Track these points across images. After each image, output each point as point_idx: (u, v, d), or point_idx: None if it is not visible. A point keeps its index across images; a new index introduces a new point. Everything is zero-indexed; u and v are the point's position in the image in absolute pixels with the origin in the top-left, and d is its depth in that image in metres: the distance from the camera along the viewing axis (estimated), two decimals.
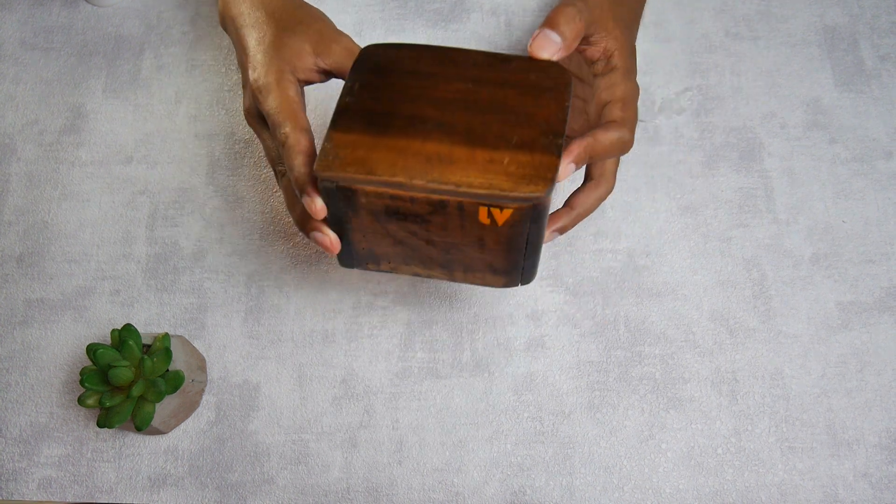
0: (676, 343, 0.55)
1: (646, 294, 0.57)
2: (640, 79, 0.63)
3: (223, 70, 0.66)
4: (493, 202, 0.38)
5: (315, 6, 0.49)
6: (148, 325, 0.58)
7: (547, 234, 0.45)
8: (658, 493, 0.52)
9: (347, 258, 0.45)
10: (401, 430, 0.55)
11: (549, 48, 0.42)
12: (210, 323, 0.58)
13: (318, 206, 0.41)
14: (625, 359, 0.55)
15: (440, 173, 0.38)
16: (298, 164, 0.42)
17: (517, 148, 0.39)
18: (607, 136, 0.44)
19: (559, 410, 0.54)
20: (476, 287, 0.58)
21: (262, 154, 0.62)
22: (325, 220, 0.43)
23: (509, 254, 0.41)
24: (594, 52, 0.46)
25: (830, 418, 0.53)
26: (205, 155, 0.63)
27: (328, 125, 0.41)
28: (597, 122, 0.47)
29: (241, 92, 0.65)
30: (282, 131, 0.43)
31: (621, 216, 0.59)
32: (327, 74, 0.47)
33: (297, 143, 0.43)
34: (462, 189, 0.38)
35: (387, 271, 0.45)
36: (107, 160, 0.63)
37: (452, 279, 0.45)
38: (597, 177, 0.46)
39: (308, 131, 0.44)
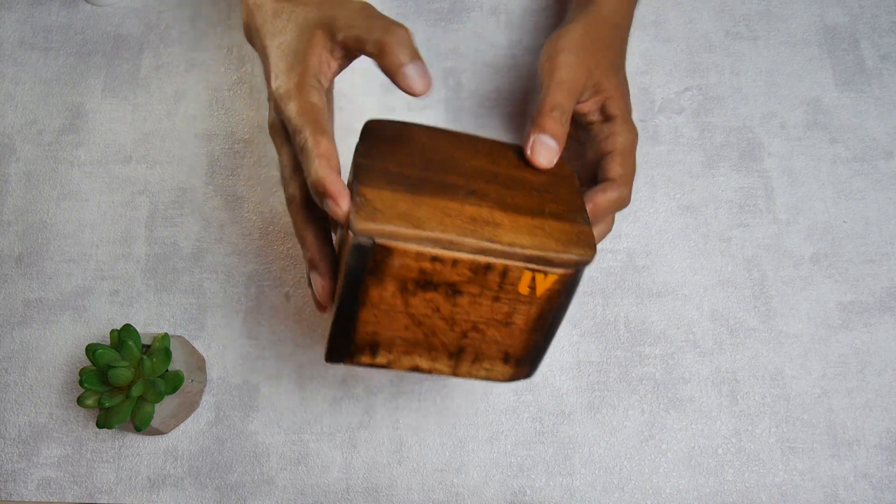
0: (676, 343, 0.55)
1: (646, 294, 0.57)
2: (640, 79, 0.63)
3: (223, 70, 0.66)
4: (543, 266, 0.37)
5: None
6: (147, 325, 0.58)
7: None
8: (658, 494, 0.52)
9: (339, 348, 0.39)
10: (401, 430, 0.55)
11: (548, 155, 0.42)
12: (210, 323, 0.58)
13: (344, 210, 0.36)
14: (625, 359, 0.55)
15: (491, 233, 0.36)
16: (317, 166, 0.38)
17: (554, 218, 0.38)
18: (606, 198, 0.44)
19: (559, 410, 0.54)
20: None
21: (263, 154, 0.62)
22: (333, 276, 0.41)
23: (533, 334, 0.39)
24: (584, 106, 0.45)
25: (831, 418, 0.53)
26: (204, 155, 0.63)
27: (348, 180, 0.39)
28: (594, 168, 0.47)
29: (240, 92, 0.65)
30: (301, 136, 0.40)
31: (621, 216, 0.59)
32: (347, 51, 0.43)
33: (316, 144, 0.39)
34: (514, 250, 0.36)
35: (380, 366, 0.40)
36: (106, 160, 0.63)
37: (454, 373, 0.40)
38: (609, 179, 0.46)
39: (330, 135, 0.40)
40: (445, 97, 0.63)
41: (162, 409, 0.52)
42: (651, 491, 0.52)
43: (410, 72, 0.39)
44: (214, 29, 0.67)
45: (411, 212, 0.36)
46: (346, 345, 0.39)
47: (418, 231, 0.35)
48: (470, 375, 0.41)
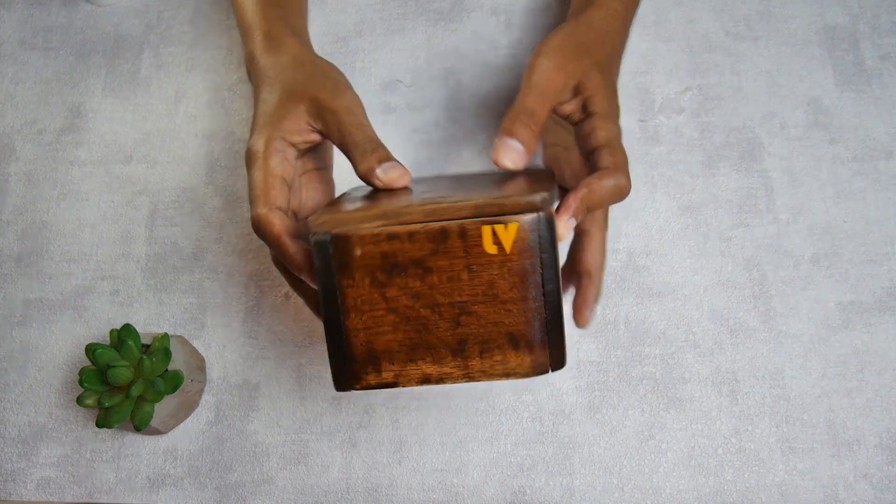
0: (676, 343, 0.55)
1: (646, 294, 0.57)
2: (640, 79, 0.63)
3: (223, 69, 0.66)
4: (499, 215, 0.35)
5: (331, 62, 0.49)
6: (147, 324, 0.58)
7: (561, 225, 0.41)
8: (658, 494, 0.52)
9: (342, 371, 0.38)
10: (400, 430, 0.55)
11: (513, 157, 0.42)
12: (209, 323, 0.58)
13: (307, 276, 0.42)
14: (625, 359, 0.55)
15: (439, 198, 0.37)
16: (280, 243, 0.42)
17: (512, 192, 0.38)
18: (602, 185, 0.43)
19: (559, 410, 0.54)
20: None
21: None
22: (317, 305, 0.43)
23: (526, 303, 0.37)
24: (567, 107, 0.45)
25: (831, 418, 0.53)
26: (204, 154, 0.63)
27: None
28: (584, 173, 0.46)
29: (241, 92, 0.65)
30: (253, 211, 0.43)
31: (621, 216, 0.59)
32: (323, 136, 0.46)
33: (267, 223, 0.42)
34: (462, 204, 0.36)
35: (389, 382, 0.38)
36: (106, 160, 0.63)
37: (468, 372, 0.38)
38: (602, 167, 0.44)
39: (281, 211, 0.43)
40: (445, 97, 0.63)
41: (162, 409, 0.52)
42: (651, 491, 0.52)
43: (380, 173, 0.42)
44: (214, 29, 0.67)
45: (364, 214, 0.37)
46: (347, 365, 0.38)
47: (368, 213, 0.36)
48: (487, 375, 0.38)
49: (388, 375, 0.38)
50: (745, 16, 0.64)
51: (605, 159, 0.43)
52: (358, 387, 0.38)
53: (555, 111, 0.45)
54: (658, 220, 0.59)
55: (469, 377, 0.38)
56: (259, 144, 0.44)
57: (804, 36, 0.63)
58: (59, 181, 0.63)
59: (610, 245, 0.58)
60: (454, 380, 0.38)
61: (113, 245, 0.61)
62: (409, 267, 0.36)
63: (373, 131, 0.44)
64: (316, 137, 0.45)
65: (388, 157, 0.42)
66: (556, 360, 0.38)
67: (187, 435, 0.55)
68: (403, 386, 0.38)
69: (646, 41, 0.64)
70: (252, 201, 0.43)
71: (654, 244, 0.58)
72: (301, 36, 0.52)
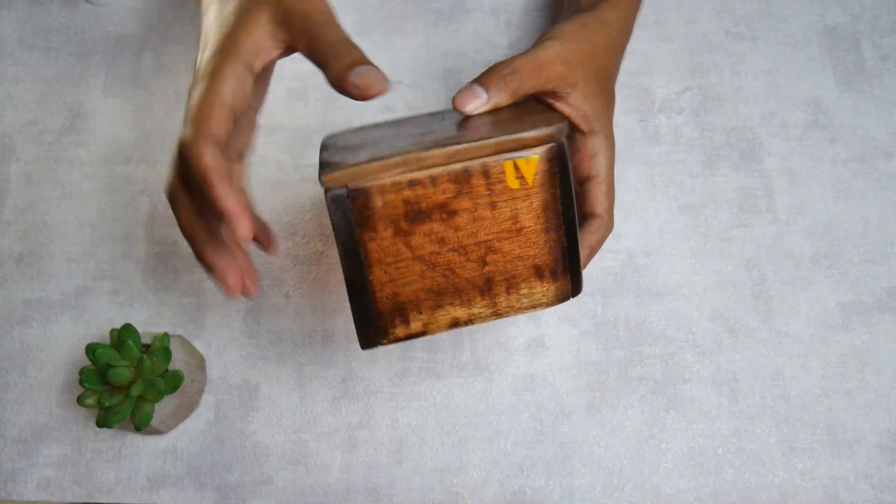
0: (676, 343, 0.55)
1: (646, 294, 0.57)
2: (640, 79, 0.63)
3: None
4: (520, 150, 0.36)
5: None
6: (147, 324, 0.58)
7: None
8: (658, 494, 0.52)
9: (368, 328, 0.38)
10: (400, 430, 0.55)
11: (475, 103, 0.40)
12: (209, 323, 0.58)
13: (242, 233, 0.35)
14: (625, 359, 0.55)
15: (456, 140, 0.36)
16: (206, 180, 0.35)
17: (523, 124, 0.37)
18: (598, 238, 0.44)
19: (559, 410, 0.54)
20: None
21: (263, 154, 0.62)
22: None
23: (550, 233, 0.37)
24: (571, 114, 0.44)
25: (831, 419, 0.53)
26: None
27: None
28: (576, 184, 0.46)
29: None
30: (182, 135, 0.37)
31: (621, 216, 0.59)
32: (291, 49, 0.40)
33: (196, 154, 0.36)
34: (483, 143, 0.35)
35: (418, 334, 0.38)
36: (106, 160, 0.63)
37: (496, 309, 0.38)
38: (590, 213, 0.45)
39: (215, 144, 0.36)
40: (445, 97, 0.63)
41: (162, 409, 0.52)
42: (651, 491, 0.52)
43: (353, 77, 0.36)
44: None
45: (374, 156, 0.36)
46: (373, 321, 0.37)
47: (385, 162, 0.35)
48: (514, 310, 0.38)
49: (416, 326, 0.38)
50: (745, 16, 0.64)
51: (601, 203, 0.44)
52: (385, 342, 0.38)
53: (556, 110, 0.44)
54: (658, 220, 0.59)
55: (497, 314, 0.38)
56: (210, 63, 0.37)
57: (804, 36, 0.63)
58: (60, 181, 0.63)
59: (610, 245, 0.58)
60: (483, 319, 0.38)
61: (113, 245, 0.61)
62: (433, 212, 0.36)
63: (346, 33, 0.38)
64: (275, 54, 0.39)
65: (363, 60, 0.37)
66: (576, 285, 0.39)
67: (187, 435, 0.55)
68: (432, 333, 0.38)
69: (646, 41, 0.64)
70: (184, 123, 0.37)
71: (654, 244, 0.58)
72: None
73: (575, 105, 0.44)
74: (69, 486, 0.55)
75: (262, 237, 0.41)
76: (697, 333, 0.55)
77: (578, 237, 0.38)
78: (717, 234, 0.58)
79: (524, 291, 0.38)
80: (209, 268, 0.38)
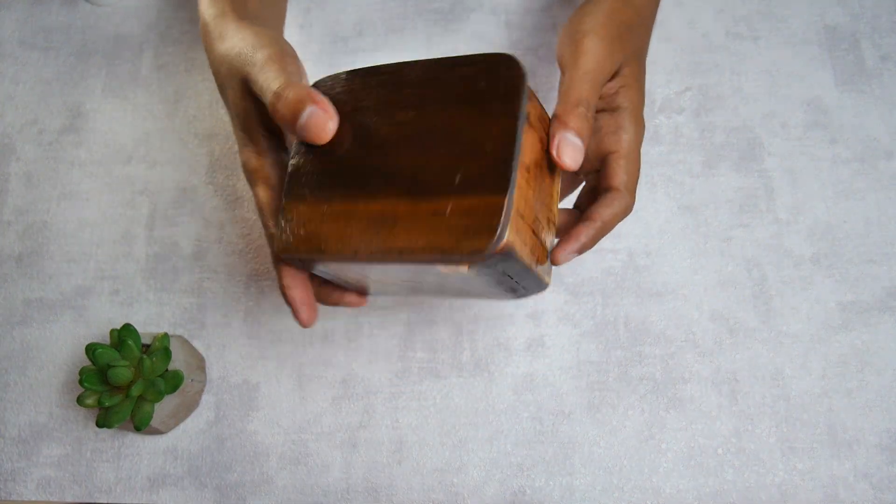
0: (676, 343, 0.55)
1: (646, 294, 0.57)
2: None
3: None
4: (442, 261, 0.35)
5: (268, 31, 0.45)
6: (147, 324, 0.58)
7: (563, 254, 0.41)
8: (658, 493, 0.52)
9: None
10: (400, 430, 0.55)
11: (574, 155, 0.38)
12: (209, 323, 0.58)
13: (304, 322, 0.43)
14: (625, 359, 0.55)
15: (384, 239, 0.36)
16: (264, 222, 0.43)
17: (461, 191, 0.35)
18: (611, 212, 0.41)
19: (559, 410, 0.54)
20: None
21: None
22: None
23: (498, 294, 0.40)
24: (610, 87, 0.42)
25: (831, 419, 0.53)
26: (204, 154, 0.63)
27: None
28: (595, 160, 0.43)
29: None
30: (266, 232, 0.43)
31: None
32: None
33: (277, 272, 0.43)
34: (406, 256, 0.36)
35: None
36: (106, 160, 0.63)
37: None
38: (608, 186, 0.42)
39: (269, 188, 0.42)
40: None
41: (162, 409, 0.52)
42: (651, 491, 0.52)
43: (303, 119, 0.37)
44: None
45: (317, 230, 0.38)
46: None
47: (321, 254, 0.38)
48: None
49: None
50: (745, 16, 0.64)
51: (619, 176, 0.42)
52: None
53: None
54: (658, 220, 0.59)
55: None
56: (250, 163, 0.43)
57: (804, 36, 0.63)
58: (60, 181, 0.63)
59: (610, 245, 0.58)
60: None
61: (113, 245, 0.61)
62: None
63: (283, 71, 0.39)
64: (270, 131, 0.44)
65: (302, 100, 0.37)
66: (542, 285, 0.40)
67: (187, 435, 0.55)
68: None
69: None
70: (266, 233, 0.43)
71: (654, 244, 0.58)
72: (245, 20, 0.46)
73: (612, 84, 0.42)
74: (69, 486, 0.55)
75: (353, 297, 0.45)
76: (697, 333, 0.55)
77: (534, 269, 0.39)
78: (717, 234, 0.58)
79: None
80: (334, 304, 0.45)
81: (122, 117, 0.65)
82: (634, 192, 0.42)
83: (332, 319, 0.57)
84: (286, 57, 0.40)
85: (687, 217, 0.58)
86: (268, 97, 0.38)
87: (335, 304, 0.44)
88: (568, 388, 0.55)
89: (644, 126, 0.44)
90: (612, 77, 0.42)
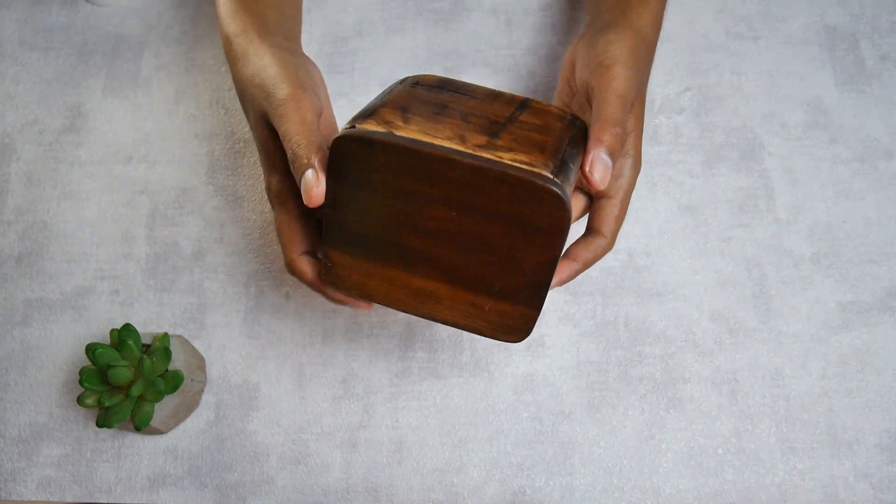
0: (676, 343, 0.55)
1: (646, 294, 0.57)
2: None
3: (223, 69, 0.66)
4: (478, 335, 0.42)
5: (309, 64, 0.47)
6: (147, 324, 0.58)
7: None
8: (658, 493, 0.52)
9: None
10: (400, 430, 0.55)
11: (604, 174, 0.39)
12: (210, 323, 0.58)
13: (364, 310, 0.45)
14: (625, 359, 0.55)
15: (429, 310, 0.41)
16: (315, 288, 0.45)
17: (499, 297, 0.39)
18: (593, 255, 0.43)
19: (559, 410, 0.54)
20: None
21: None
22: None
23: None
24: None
25: (831, 418, 0.53)
26: (204, 154, 0.63)
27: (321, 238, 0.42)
28: (583, 211, 0.45)
29: None
30: (284, 257, 0.45)
31: None
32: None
33: (300, 272, 0.45)
34: (449, 325, 0.41)
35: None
36: (106, 160, 0.63)
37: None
38: (596, 231, 0.44)
39: (308, 255, 0.44)
40: None
41: (162, 409, 0.52)
42: (651, 491, 0.52)
43: (304, 181, 0.40)
44: (215, 29, 0.67)
45: (365, 282, 0.41)
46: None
47: (369, 300, 0.42)
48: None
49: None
50: (745, 16, 0.64)
51: (607, 224, 0.44)
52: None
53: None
54: (658, 220, 0.59)
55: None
56: (272, 185, 0.44)
57: (804, 36, 0.63)
58: (60, 181, 0.63)
59: None
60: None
61: (113, 245, 0.61)
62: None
63: (298, 135, 0.41)
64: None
65: (307, 164, 0.40)
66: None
67: (187, 435, 0.55)
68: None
69: None
70: (281, 247, 0.45)
71: (654, 244, 0.58)
72: (266, 37, 0.48)
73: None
74: (69, 485, 0.55)
75: (362, 302, 0.47)
76: (697, 333, 0.55)
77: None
78: (717, 234, 0.58)
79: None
80: (340, 304, 0.46)
81: (122, 117, 0.65)
82: (614, 237, 0.45)
83: (332, 319, 0.57)
84: (304, 100, 0.42)
85: (687, 217, 0.58)
86: (287, 149, 0.41)
87: (341, 303, 0.45)
88: (568, 388, 0.55)
89: (640, 171, 0.45)
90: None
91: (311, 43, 0.66)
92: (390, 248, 0.40)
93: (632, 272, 0.57)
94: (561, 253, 0.38)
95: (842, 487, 0.51)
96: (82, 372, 0.51)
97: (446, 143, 0.37)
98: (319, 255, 0.44)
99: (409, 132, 0.37)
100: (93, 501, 0.54)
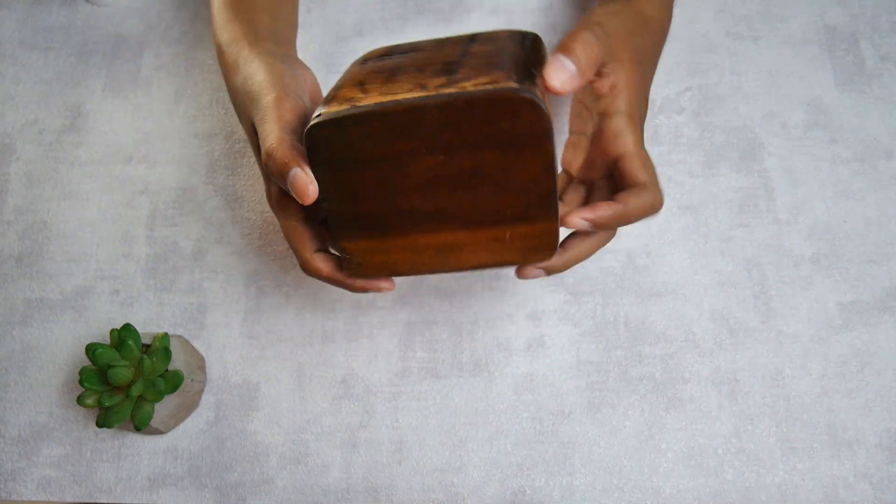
0: (676, 343, 0.55)
1: (646, 294, 0.57)
2: None
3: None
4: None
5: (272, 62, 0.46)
6: (147, 324, 0.58)
7: (575, 218, 0.41)
8: (658, 493, 0.52)
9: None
10: (400, 430, 0.55)
11: (562, 76, 0.38)
12: (209, 323, 0.58)
13: (389, 289, 0.44)
14: (625, 359, 0.55)
15: (455, 261, 0.41)
16: (333, 282, 0.45)
17: (514, 221, 0.39)
18: (639, 203, 0.41)
19: (559, 410, 0.54)
20: (475, 287, 0.58)
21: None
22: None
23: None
24: (602, 85, 0.43)
25: (831, 418, 0.53)
26: (204, 154, 0.63)
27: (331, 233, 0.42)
28: (603, 170, 0.44)
29: None
30: (298, 260, 0.45)
31: None
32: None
33: (315, 270, 0.44)
34: (478, 270, 0.42)
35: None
36: (106, 160, 0.63)
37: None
38: (640, 183, 0.42)
39: (321, 252, 0.45)
40: None
41: (162, 409, 0.52)
42: (651, 491, 0.52)
43: (289, 179, 0.39)
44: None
45: (386, 259, 0.41)
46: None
47: (397, 275, 0.42)
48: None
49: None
50: (745, 16, 0.64)
51: (641, 173, 0.42)
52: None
53: (591, 83, 0.43)
54: (658, 220, 0.59)
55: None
56: (272, 193, 0.44)
57: (804, 36, 0.63)
58: (60, 181, 0.63)
59: (610, 245, 0.58)
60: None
61: (113, 245, 0.61)
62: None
63: (277, 131, 0.41)
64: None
65: (287, 163, 0.39)
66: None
67: (187, 435, 0.55)
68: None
69: None
70: (293, 251, 0.45)
71: (654, 244, 0.58)
72: (256, 45, 0.48)
73: (608, 79, 0.42)
74: (69, 485, 0.55)
75: (383, 282, 0.46)
76: (697, 333, 0.55)
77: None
78: (717, 234, 0.58)
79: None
80: (363, 290, 0.46)
81: (122, 117, 0.65)
82: (659, 188, 0.43)
83: (332, 319, 0.57)
84: (286, 102, 0.42)
85: (687, 217, 0.58)
86: (262, 149, 0.41)
87: (363, 290, 0.45)
88: (568, 388, 0.55)
89: (642, 129, 0.44)
90: (601, 72, 0.42)
91: (311, 43, 0.66)
92: (395, 216, 0.40)
93: (632, 272, 0.57)
94: (554, 156, 0.37)
95: (842, 487, 0.51)
96: (82, 372, 0.51)
97: (408, 96, 0.36)
98: (335, 252, 0.44)
99: (371, 99, 0.37)
100: (93, 501, 0.54)
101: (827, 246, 0.57)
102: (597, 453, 0.53)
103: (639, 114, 0.44)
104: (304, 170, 0.39)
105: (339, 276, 0.44)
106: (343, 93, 0.39)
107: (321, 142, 0.38)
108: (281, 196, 0.44)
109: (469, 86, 0.36)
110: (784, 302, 0.56)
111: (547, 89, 0.38)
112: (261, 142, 0.42)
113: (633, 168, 0.42)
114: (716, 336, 0.55)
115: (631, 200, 0.41)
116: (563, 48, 0.39)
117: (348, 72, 0.42)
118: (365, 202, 0.39)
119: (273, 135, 0.41)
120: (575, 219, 0.41)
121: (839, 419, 0.53)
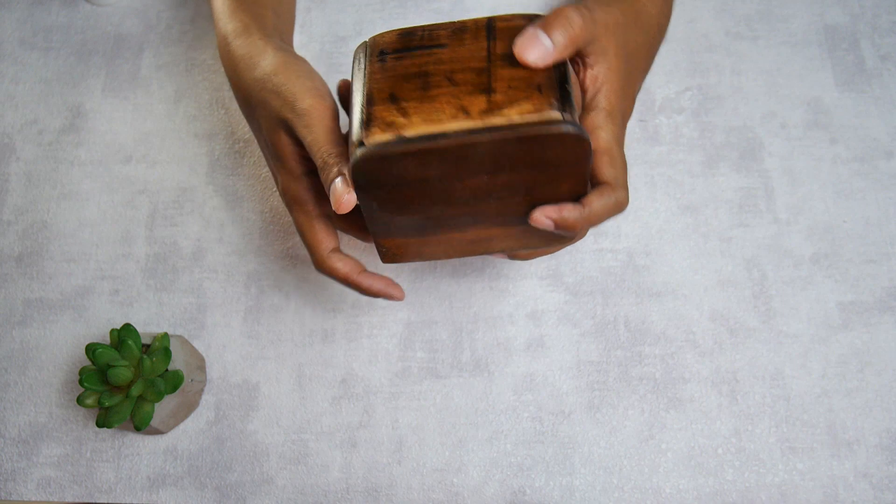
0: (676, 343, 0.55)
1: (646, 294, 0.57)
2: None
3: (223, 69, 0.66)
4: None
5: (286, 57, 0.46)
6: (147, 324, 0.58)
7: (538, 215, 0.42)
8: (658, 493, 0.52)
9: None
10: (400, 430, 0.55)
11: (537, 51, 0.38)
12: (209, 323, 0.58)
13: (399, 297, 0.47)
14: (625, 359, 0.55)
15: (484, 248, 0.45)
16: (349, 284, 0.46)
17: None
18: (602, 203, 0.41)
19: (559, 410, 0.54)
20: (475, 287, 0.58)
21: (262, 153, 0.62)
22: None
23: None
24: (585, 78, 0.42)
25: (831, 418, 0.53)
26: (204, 154, 0.63)
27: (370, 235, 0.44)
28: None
29: None
30: (313, 262, 0.46)
31: (621, 216, 0.59)
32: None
33: (331, 270, 0.46)
34: (505, 252, 0.46)
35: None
36: (106, 160, 0.63)
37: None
38: (603, 182, 0.42)
39: (336, 252, 0.46)
40: None
41: (162, 409, 0.52)
42: (651, 491, 0.52)
43: (333, 189, 0.40)
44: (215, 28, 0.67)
45: (421, 250, 0.44)
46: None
47: (427, 260, 0.46)
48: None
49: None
50: (745, 16, 0.64)
51: (606, 171, 0.41)
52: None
53: (577, 73, 0.43)
54: (658, 220, 0.59)
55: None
56: (289, 189, 0.45)
57: (804, 36, 0.63)
58: (60, 181, 0.63)
59: (610, 245, 0.58)
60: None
61: (113, 245, 0.61)
62: None
63: (327, 144, 0.42)
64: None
65: (333, 177, 0.41)
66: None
67: (187, 435, 0.55)
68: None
69: None
70: (308, 248, 0.46)
71: (654, 244, 0.58)
72: (268, 39, 0.48)
73: (591, 70, 0.42)
74: (69, 485, 0.55)
75: (396, 291, 0.48)
76: (697, 333, 0.55)
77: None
78: (717, 234, 0.58)
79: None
80: (375, 296, 0.47)
81: (122, 117, 0.65)
82: (626, 187, 0.42)
83: (332, 319, 0.57)
84: (326, 107, 0.43)
85: (687, 217, 0.58)
86: (316, 158, 0.41)
87: (376, 295, 0.47)
88: (568, 388, 0.55)
89: (622, 131, 0.44)
90: (586, 63, 0.42)
91: (311, 43, 0.66)
92: (436, 222, 0.42)
93: (632, 272, 0.57)
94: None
95: (842, 487, 0.51)
96: (82, 372, 0.51)
97: (454, 126, 0.37)
98: (368, 243, 0.47)
99: (415, 127, 0.37)
100: (93, 501, 0.54)
101: (827, 246, 0.57)
102: (597, 453, 0.53)
103: (619, 110, 0.43)
104: (346, 182, 0.40)
105: (354, 278, 0.45)
106: (380, 112, 0.38)
107: (367, 173, 0.38)
108: (298, 192, 0.44)
109: (514, 114, 0.37)
110: (784, 302, 0.56)
111: (517, 56, 0.38)
112: (311, 147, 0.42)
113: (601, 165, 0.42)
114: (716, 336, 0.55)
115: (595, 201, 0.41)
116: (543, 23, 0.39)
117: (369, 73, 0.40)
118: (405, 213, 0.41)
119: (328, 143, 0.41)
120: (540, 216, 0.41)
121: (839, 419, 0.53)
